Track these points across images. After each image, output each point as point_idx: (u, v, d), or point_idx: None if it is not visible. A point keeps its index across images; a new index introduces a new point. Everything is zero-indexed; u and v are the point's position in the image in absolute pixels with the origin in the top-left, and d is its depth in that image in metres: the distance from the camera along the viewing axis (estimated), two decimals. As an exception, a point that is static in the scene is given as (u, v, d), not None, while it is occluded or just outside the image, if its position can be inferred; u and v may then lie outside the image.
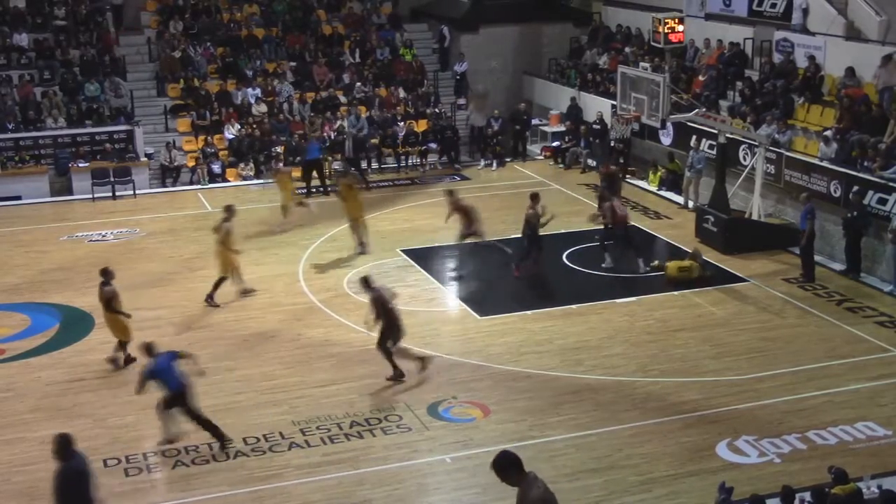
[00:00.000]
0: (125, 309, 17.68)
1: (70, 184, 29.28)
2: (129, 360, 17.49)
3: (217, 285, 20.38)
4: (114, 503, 13.49)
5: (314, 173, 28.58)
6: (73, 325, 19.47)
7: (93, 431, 15.32)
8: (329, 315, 19.93)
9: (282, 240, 24.41)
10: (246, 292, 20.83)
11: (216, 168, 30.13)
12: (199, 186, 29.17)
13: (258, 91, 32.67)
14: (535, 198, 21.69)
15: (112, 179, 28.83)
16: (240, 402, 16.23)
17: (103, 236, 25.03)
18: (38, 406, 16.25)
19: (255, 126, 31.30)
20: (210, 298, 20.38)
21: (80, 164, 29.39)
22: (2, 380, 17.22)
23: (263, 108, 32.17)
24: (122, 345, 17.63)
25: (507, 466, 8.26)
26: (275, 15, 35.82)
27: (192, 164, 30.22)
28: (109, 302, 17.36)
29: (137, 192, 28.67)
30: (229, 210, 20.79)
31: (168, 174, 29.70)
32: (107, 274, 17.54)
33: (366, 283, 16.88)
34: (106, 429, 15.46)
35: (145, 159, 30.02)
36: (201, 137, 30.99)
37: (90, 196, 28.60)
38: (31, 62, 32.32)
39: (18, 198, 28.69)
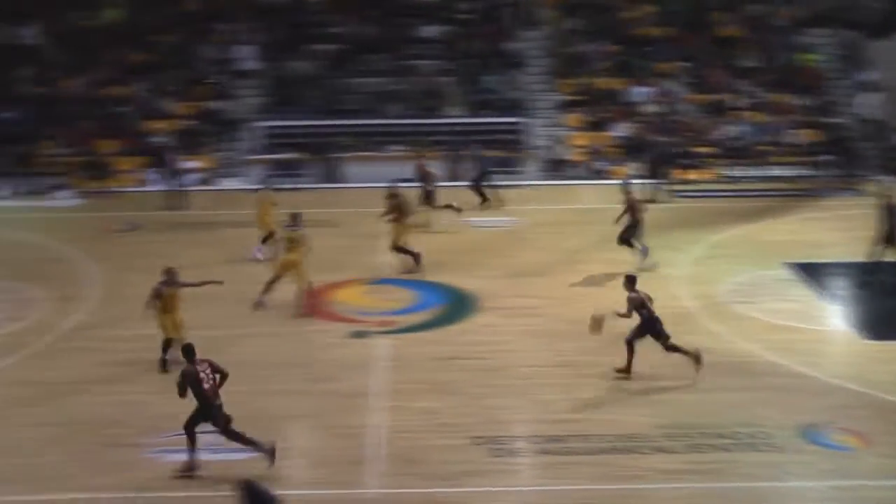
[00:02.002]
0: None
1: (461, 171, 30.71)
2: (164, 363, 17.14)
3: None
4: (476, 480, 14.04)
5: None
6: (460, 305, 20.44)
7: (466, 409, 15.97)
8: (704, 322, 19.61)
9: (662, 243, 24.26)
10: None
11: (603, 165, 30.49)
12: (584, 181, 29.61)
13: (649, 90, 32.66)
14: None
15: (503, 169, 29.94)
16: (608, 399, 16.35)
17: (489, 223, 26.02)
18: (419, 378, 17.12)
19: (643, 126, 31.34)
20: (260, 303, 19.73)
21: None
22: (390, 350, 18.33)
23: (653, 108, 32.13)
24: (168, 342, 17.20)
25: None
26: (672, 14, 35.60)
27: (582, 159, 30.76)
28: (157, 298, 17.05)
29: (526, 182, 29.55)
30: (296, 217, 19.97)
31: (556, 167, 30.45)
32: (169, 273, 17.15)
33: (187, 353, 14.26)
34: (480, 408, 16.05)
35: (535, 151, 30.94)
36: (590, 133, 31.49)
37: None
38: (436, 53, 34.22)
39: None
